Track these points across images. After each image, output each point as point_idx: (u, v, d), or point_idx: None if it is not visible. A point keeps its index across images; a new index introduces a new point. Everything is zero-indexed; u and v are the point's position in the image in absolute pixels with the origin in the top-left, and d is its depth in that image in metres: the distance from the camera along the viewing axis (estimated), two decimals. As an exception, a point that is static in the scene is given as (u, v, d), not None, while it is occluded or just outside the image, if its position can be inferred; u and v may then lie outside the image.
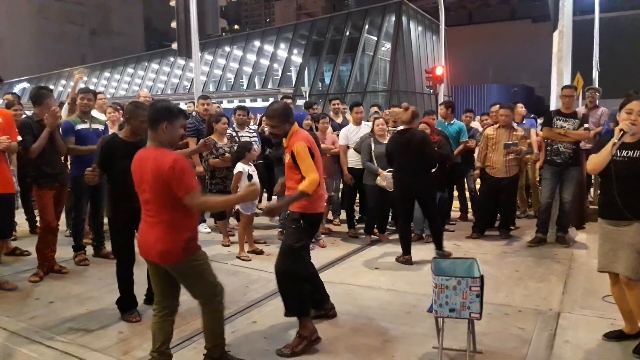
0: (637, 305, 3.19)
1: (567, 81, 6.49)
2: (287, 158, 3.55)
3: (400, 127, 5.61)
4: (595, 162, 3.31)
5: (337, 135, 6.89)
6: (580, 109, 7.06)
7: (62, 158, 5.20)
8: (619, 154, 3.23)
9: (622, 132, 3.18)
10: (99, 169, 3.86)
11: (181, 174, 2.77)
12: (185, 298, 3.26)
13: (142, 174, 2.89)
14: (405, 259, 5.35)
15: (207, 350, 3.08)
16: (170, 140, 2.93)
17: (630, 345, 3.27)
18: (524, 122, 7.53)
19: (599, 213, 3.43)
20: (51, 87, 5.51)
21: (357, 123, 6.87)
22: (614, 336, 3.39)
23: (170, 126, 2.89)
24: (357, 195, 6.86)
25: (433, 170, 5.64)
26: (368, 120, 7.38)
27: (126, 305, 3.93)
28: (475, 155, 6.57)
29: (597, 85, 11.82)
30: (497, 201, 6.37)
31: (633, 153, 3.21)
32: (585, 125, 5.83)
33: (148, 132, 2.95)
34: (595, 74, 16.90)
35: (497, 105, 6.76)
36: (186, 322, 3.72)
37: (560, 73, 6.50)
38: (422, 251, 5.76)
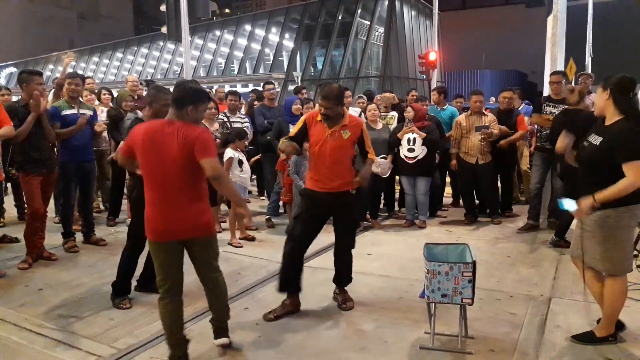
0: (605, 296, 3.12)
1: (560, 67, 6.49)
2: (345, 135, 3.70)
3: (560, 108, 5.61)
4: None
5: None
6: (573, 95, 7.04)
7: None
8: (592, 141, 3.10)
9: None
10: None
11: (207, 141, 2.85)
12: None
13: (175, 146, 2.80)
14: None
15: (215, 324, 3.22)
16: (194, 122, 2.93)
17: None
18: (520, 108, 7.51)
19: None
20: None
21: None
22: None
23: (195, 110, 2.90)
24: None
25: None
26: (354, 106, 7.36)
27: (121, 290, 3.90)
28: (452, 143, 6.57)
29: (589, 71, 11.81)
30: (477, 187, 6.42)
31: (595, 140, 3.07)
32: None
33: (172, 109, 2.89)
34: (588, 60, 16.93)
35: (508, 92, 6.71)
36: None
37: (554, 58, 6.49)
38: (414, 237, 5.77)
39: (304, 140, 3.86)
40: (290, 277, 3.78)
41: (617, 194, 2.87)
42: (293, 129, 3.92)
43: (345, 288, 3.95)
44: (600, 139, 3.03)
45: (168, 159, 2.82)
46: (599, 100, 3.09)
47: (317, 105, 6.67)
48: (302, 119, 3.89)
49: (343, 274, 3.95)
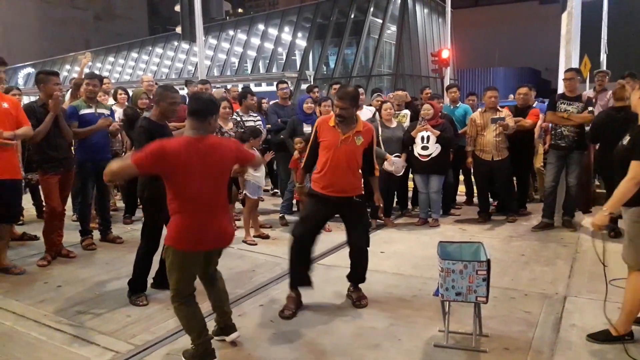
0: (628, 291, 3.14)
1: (575, 64, 6.42)
2: (359, 142, 3.72)
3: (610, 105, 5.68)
4: None
5: None
6: (588, 92, 6.99)
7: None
8: (623, 142, 3.16)
9: None
10: None
11: (243, 148, 3.22)
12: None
13: (217, 161, 2.89)
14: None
15: (222, 321, 3.23)
16: (212, 131, 3.03)
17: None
18: (534, 105, 7.45)
19: None
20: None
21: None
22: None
23: (215, 120, 2.99)
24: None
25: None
26: (370, 105, 7.34)
27: (137, 288, 3.95)
28: (467, 140, 6.54)
29: (605, 68, 11.68)
30: (492, 184, 6.40)
31: (625, 140, 3.10)
32: (590, 109, 5.78)
33: (193, 122, 2.88)
34: (603, 57, 16.69)
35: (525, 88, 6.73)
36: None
37: (569, 55, 6.43)
38: (427, 235, 5.76)
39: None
40: (299, 275, 3.80)
41: (622, 196, 2.92)
42: (310, 141, 3.90)
43: (359, 286, 3.97)
44: (628, 138, 3.08)
45: (213, 174, 2.88)
46: (634, 98, 3.15)
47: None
48: (314, 127, 3.88)
49: (357, 272, 3.96)
